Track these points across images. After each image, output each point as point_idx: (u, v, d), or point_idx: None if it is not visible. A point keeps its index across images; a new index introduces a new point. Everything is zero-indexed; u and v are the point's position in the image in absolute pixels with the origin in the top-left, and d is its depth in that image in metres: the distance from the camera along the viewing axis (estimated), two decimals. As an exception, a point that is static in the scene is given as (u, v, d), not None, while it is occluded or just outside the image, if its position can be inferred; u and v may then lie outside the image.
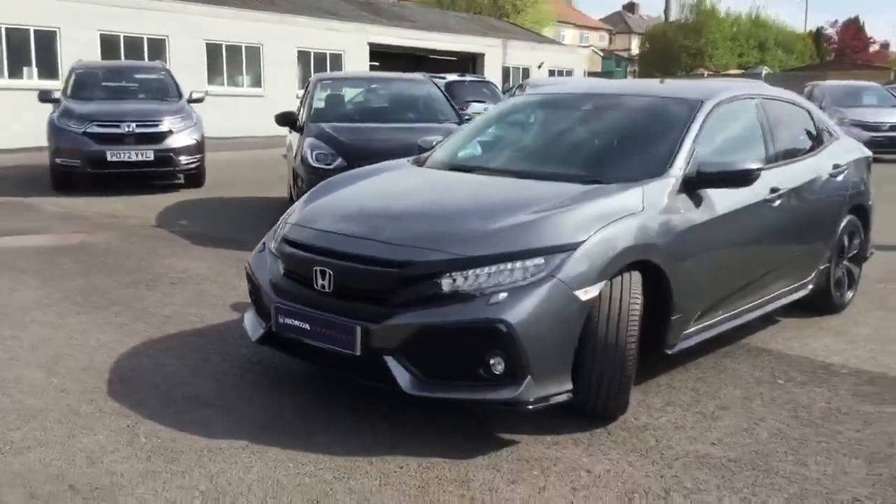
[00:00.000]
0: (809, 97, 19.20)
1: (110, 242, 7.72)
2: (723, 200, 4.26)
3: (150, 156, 10.97)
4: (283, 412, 3.79)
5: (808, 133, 5.46)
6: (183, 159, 11.28)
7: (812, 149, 5.39)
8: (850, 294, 5.79)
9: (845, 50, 55.20)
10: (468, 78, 17.61)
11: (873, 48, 66.69)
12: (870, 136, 17.15)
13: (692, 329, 4.21)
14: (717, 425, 3.75)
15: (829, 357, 4.75)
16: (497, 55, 32.98)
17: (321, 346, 3.62)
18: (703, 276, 4.15)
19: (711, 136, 4.45)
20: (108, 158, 10.79)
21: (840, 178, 5.44)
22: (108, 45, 21.00)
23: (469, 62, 32.75)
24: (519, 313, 3.31)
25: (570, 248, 3.48)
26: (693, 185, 4.13)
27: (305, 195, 4.49)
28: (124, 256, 7.08)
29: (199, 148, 11.48)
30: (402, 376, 3.41)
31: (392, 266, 3.48)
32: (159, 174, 11.55)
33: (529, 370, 3.34)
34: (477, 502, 3.03)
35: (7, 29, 19.24)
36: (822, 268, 5.34)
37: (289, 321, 3.73)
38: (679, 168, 4.14)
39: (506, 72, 33.21)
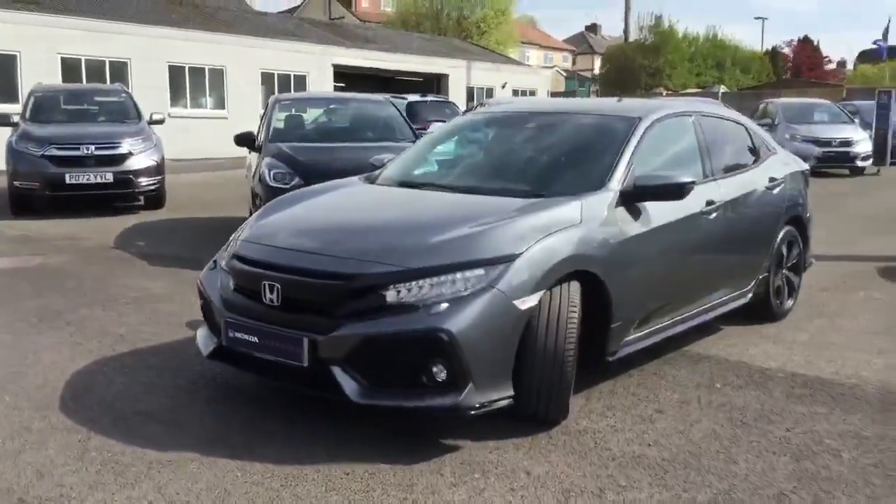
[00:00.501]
0: (763, 114, 19.73)
1: (68, 264, 7.73)
2: (660, 213, 4.44)
3: (110, 178, 10.98)
4: (234, 425, 3.87)
5: (746, 148, 5.68)
6: (142, 181, 11.30)
7: (749, 163, 5.60)
8: (790, 302, 5.99)
9: (801, 68, 56.54)
10: (429, 98, 17.83)
11: (830, 66, 68.31)
12: (822, 152, 17.68)
13: (633, 336, 4.36)
14: (653, 427, 3.90)
15: (766, 362, 4.93)
16: (461, 76, 33.33)
17: (270, 358, 3.71)
18: (642, 286, 4.31)
19: (649, 151, 4.63)
20: (67, 181, 10.79)
21: (776, 190, 5.65)
22: (70, 68, 20.96)
23: (434, 82, 33.06)
24: (459, 322, 3.43)
25: (510, 259, 3.62)
26: (631, 199, 4.30)
27: (256, 213, 4.59)
28: (81, 278, 7.10)
29: (158, 169, 11.51)
30: (348, 385, 3.51)
31: (337, 279, 3.60)
32: (119, 196, 11.55)
33: (471, 377, 3.46)
34: (419, 505, 3.14)
35: (-34, 53, 19.14)
36: (760, 277, 5.54)
37: (238, 335, 3.82)
38: (617, 182, 4.31)
39: (470, 92, 33.55)
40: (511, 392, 3.61)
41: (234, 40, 24.99)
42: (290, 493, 3.20)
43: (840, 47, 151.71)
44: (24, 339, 5.22)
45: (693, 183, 4.36)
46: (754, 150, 5.72)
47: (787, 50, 58.64)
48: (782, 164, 5.91)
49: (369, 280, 3.55)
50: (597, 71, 64.84)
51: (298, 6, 57.57)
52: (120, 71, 22.03)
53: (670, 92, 37.96)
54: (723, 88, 36.77)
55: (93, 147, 10.97)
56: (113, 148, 11.12)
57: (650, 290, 4.41)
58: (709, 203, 4.86)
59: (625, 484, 3.32)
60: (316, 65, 27.14)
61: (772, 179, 5.62)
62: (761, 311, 5.72)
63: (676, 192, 4.32)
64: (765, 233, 5.54)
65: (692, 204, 4.69)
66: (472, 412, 3.52)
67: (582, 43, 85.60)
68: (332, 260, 3.69)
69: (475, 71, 33.89)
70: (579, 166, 4.59)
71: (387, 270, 3.56)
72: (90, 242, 9.00)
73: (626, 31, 45.43)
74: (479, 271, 3.57)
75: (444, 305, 3.47)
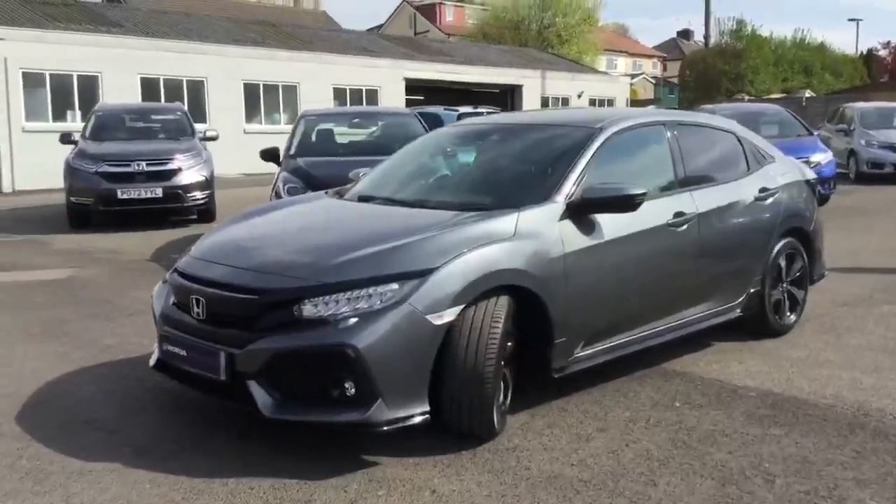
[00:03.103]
0: (841, 119, 18.90)
1: (95, 276, 8.06)
2: (616, 225, 4.29)
3: (159, 192, 11.42)
4: (168, 436, 3.94)
5: (733, 158, 5.40)
6: (192, 195, 11.70)
7: (738, 173, 5.35)
8: (792, 317, 5.69)
9: (900, 71, 53.48)
10: (482, 110, 17.78)
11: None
12: (898, 158, 16.80)
13: (585, 353, 4.23)
14: (587, 447, 3.76)
15: (743, 380, 4.70)
16: (536, 86, 33.18)
17: (195, 371, 3.78)
18: (592, 300, 4.18)
19: (608, 162, 4.48)
20: (119, 196, 11.28)
21: (769, 201, 5.38)
22: (149, 87, 21.88)
23: (509, 93, 33.04)
24: (366, 337, 3.41)
25: (424, 273, 3.56)
26: (579, 211, 4.18)
27: (212, 229, 4.68)
28: (99, 289, 7.39)
29: (208, 184, 11.90)
30: (262, 399, 3.53)
31: (252, 293, 3.63)
32: (173, 210, 11.98)
33: (379, 392, 3.43)
34: (310, 521, 3.13)
35: (52, 75, 20.20)
36: (752, 291, 5.29)
37: (171, 348, 3.91)
38: (565, 194, 4.19)
39: (545, 102, 33.37)
40: (426, 408, 3.56)
41: (308, 57, 25.61)
42: (187, 506, 3.25)
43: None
44: (17, 348, 5.47)
45: (644, 194, 4.19)
46: (745, 160, 5.46)
47: (883, 52, 55.62)
48: (779, 174, 5.61)
49: (280, 295, 3.56)
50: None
51: (383, 24, 58.61)
52: (197, 89, 22.89)
53: (753, 98, 36.74)
54: (808, 93, 35.36)
55: (143, 163, 11.44)
56: (163, 164, 11.56)
57: (602, 304, 4.27)
58: (677, 215, 4.67)
59: (526, 505, 3.22)
60: (388, 79, 27.51)
61: (763, 190, 5.35)
62: (758, 326, 5.46)
63: (626, 203, 4.17)
64: (754, 245, 5.27)
65: (656, 216, 4.53)
66: (385, 428, 3.48)
67: (674, 49, 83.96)
68: (251, 275, 3.73)
69: (550, 80, 33.67)
70: (529, 179, 4.50)
71: (298, 286, 3.57)
72: (129, 255, 9.36)
73: (706, 37, 44.31)
74: (394, 286, 3.54)
75: (353, 320, 3.45)
